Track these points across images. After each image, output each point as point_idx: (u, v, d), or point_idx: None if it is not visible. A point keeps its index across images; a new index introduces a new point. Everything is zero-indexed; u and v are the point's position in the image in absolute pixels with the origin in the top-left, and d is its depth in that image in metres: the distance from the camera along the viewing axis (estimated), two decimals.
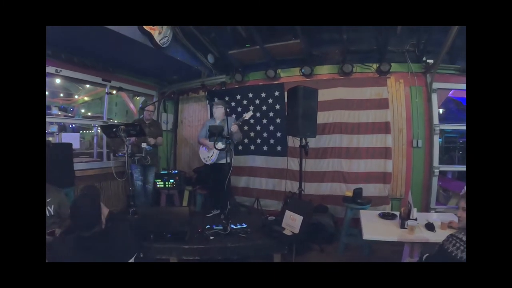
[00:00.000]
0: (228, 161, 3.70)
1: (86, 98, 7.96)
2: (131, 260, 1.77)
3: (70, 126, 7.58)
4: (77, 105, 8.00)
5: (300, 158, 3.84)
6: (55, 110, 6.21)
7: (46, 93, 6.47)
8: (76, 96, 7.54)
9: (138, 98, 5.88)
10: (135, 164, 4.29)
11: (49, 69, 3.82)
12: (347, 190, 4.09)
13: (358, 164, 4.48)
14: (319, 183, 4.66)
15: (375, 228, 2.63)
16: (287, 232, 3.29)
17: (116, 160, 4.86)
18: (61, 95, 6.94)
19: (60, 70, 3.98)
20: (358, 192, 3.60)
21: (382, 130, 4.38)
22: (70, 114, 7.37)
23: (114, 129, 3.55)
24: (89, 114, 7.82)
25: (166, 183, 4.79)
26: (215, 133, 3.75)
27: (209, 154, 4.25)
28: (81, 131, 8.17)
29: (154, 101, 5.44)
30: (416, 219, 2.53)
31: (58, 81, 4.64)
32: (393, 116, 4.41)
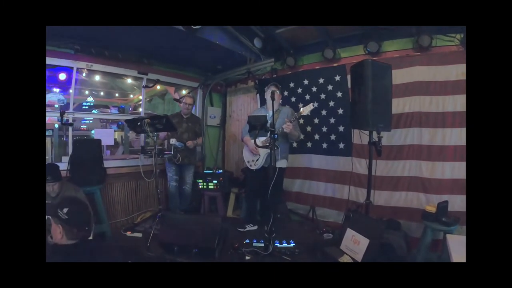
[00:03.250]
0: (272, 163, 3.17)
1: (141, 97, 8.28)
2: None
3: None
4: (134, 104, 8.32)
5: (370, 158, 3.20)
6: (114, 110, 6.55)
7: (101, 93, 6.87)
8: (131, 96, 7.84)
9: (184, 92, 5.78)
10: (169, 162, 4.09)
11: (80, 64, 3.85)
12: (427, 203, 3.30)
13: (443, 168, 3.52)
14: (391, 191, 3.83)
15: None
16: (345, 259, 2.70)
17: (150, 158, 4.74)
18: (117, 95, 7.25)
19: (91, 65, 3.99)
20: (443, 207, 2.86)
21: None
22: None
23: (138, 123, 3.37)
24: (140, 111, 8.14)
25: (209, 184, 4.59)
26: (256, 126, 3.17)
27: (254, 158, 3.78)
28: None
29: (190, 91, 5.20)
30: None
31: (97, 78, 4.72)
32: None
